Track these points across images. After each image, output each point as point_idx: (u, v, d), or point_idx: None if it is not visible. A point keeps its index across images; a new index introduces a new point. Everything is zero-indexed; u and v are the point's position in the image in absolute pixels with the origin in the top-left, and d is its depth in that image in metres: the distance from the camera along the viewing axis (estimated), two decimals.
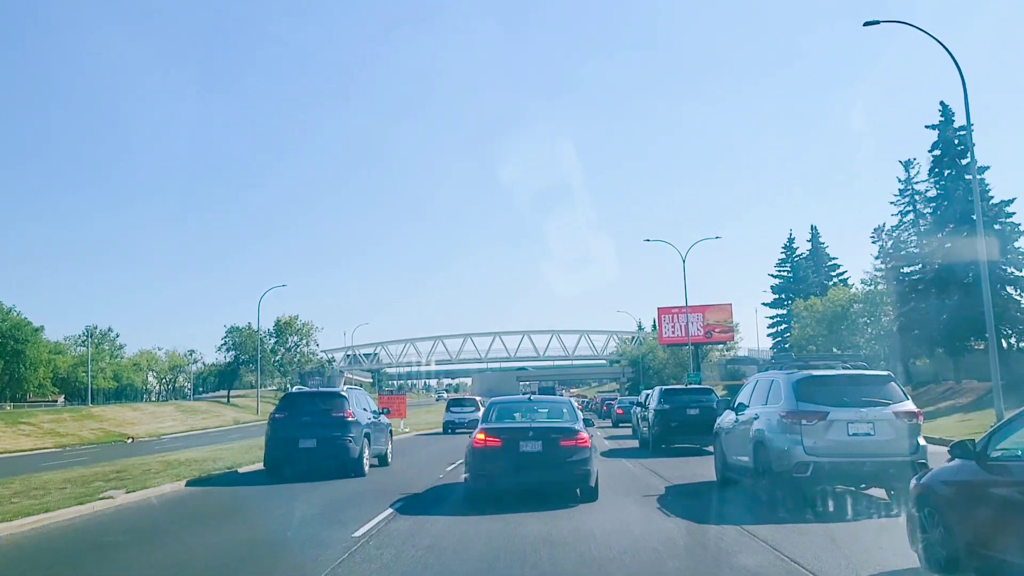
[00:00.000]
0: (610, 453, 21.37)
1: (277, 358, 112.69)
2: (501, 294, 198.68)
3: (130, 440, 47.72)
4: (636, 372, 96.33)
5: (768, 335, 78.29)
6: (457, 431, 33.57)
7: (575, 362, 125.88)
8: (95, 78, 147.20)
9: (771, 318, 78.10)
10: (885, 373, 11.56)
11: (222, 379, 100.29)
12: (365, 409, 17.72)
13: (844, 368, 11.68)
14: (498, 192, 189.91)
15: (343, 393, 17.00)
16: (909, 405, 10.61)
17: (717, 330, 74.97)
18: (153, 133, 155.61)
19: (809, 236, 76.34)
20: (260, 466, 17.14)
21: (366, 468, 16.39)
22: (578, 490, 11.67)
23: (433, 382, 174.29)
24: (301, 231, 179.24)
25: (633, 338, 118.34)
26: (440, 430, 36.78)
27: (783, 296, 75.31)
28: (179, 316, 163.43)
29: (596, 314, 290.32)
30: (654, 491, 13.06)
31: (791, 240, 77.78)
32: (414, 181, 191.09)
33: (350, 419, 16.14)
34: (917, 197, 46.84)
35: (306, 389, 20.45)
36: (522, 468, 11.34)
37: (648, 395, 25.42)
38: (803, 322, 56.86)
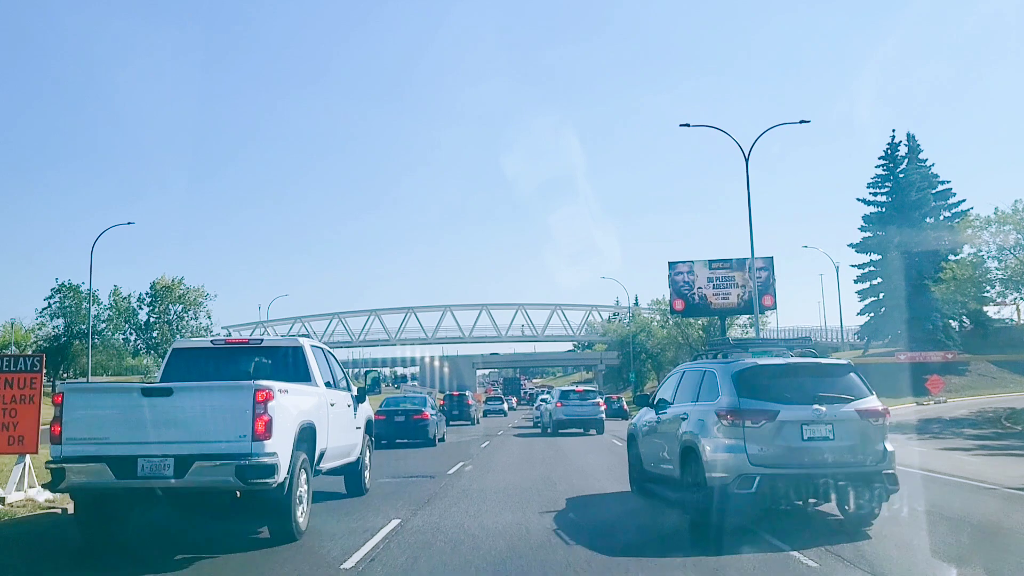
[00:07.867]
0: None
1: (152, 333, 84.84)
2: (454, 267, 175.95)
3: None
4: (624, 357, 75.20)
5: (856, 292, 49.70)
6: None
7: (542, 345, 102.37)
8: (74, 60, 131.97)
9: (860, 267, 49.73)
10: (844, 362, 9.35)
11: (47, 358, 70.43)
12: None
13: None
14: (475, 169, 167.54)
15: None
16: (874, 401, 8.65)
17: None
18: (132, 111, 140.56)
19: (906, 151, 49.25)
20: None
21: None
22: (420, 439, 23.75)
23: (386, 370, 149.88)
24: (267, 212, 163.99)
25: (615, 315, 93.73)
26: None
27: (876, 234, 47.42)
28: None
29: (573, 291, 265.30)
30: None
31: (893, 147, 48.39)
32: (381, 163, 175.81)
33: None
34: None
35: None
36: (395, 428, 23.84)
37: None
38: (981, 258, 29.47)
